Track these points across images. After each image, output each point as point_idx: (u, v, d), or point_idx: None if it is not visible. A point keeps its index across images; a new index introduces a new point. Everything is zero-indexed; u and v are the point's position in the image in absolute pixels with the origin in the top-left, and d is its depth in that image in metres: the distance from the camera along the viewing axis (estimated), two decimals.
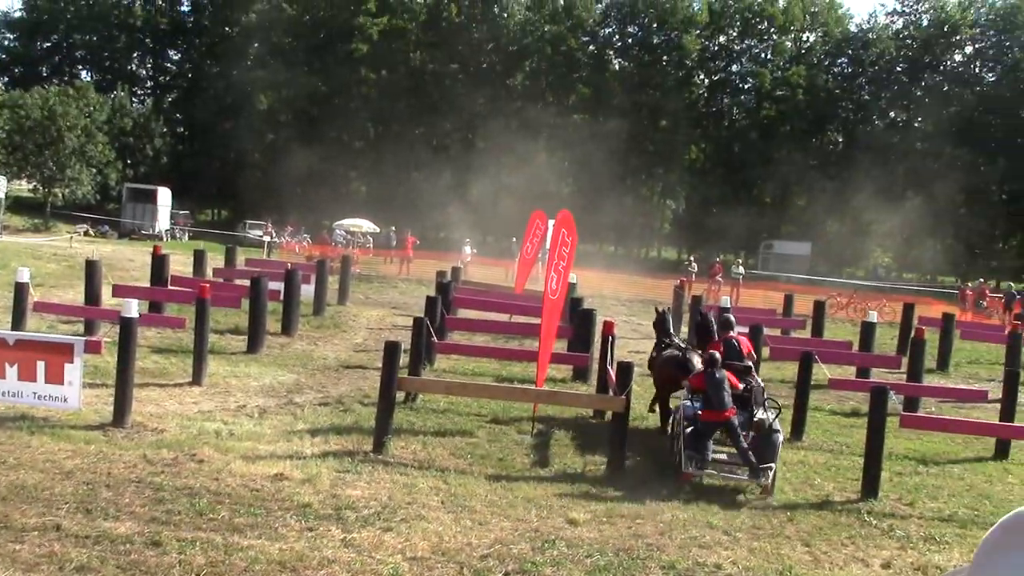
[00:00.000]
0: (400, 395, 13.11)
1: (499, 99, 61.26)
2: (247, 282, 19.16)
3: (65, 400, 11.15)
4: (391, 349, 11.10)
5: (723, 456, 10.96)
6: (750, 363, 12.29)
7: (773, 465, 10.41)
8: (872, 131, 63.70)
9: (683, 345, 13.48)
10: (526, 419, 12.93)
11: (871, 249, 66.78)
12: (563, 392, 13.59)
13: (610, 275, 43.14)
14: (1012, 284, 54.64)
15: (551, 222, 28.12)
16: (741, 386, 11.23)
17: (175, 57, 72.67)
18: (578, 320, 17.11)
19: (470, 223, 57.18)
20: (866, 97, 65.83)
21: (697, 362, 12.01)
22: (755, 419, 10.93)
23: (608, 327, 13.99)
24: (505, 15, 64.66)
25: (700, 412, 10.73)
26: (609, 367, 12.84)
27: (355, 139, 66.00)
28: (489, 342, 20.03)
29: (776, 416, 11.11)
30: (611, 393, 11.63)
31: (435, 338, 15.45)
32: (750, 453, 10.43)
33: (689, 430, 10.62)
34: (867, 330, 20.06)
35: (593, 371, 15.74)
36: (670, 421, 12.03)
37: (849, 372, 18.32)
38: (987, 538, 0.66)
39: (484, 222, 56.54)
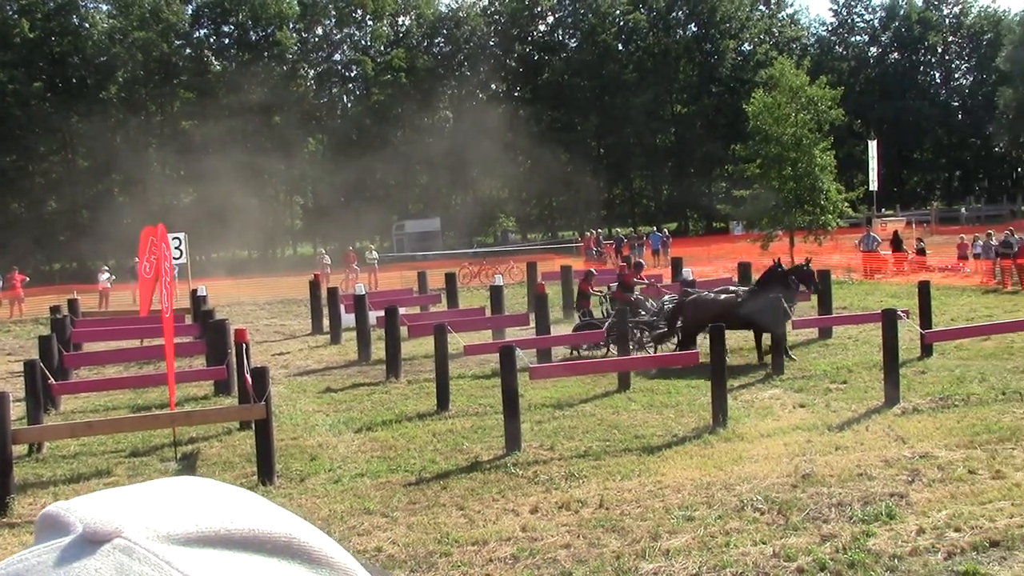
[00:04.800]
0: (23, 448, 12.06)
1: (95, 114, 57.21)
2: None
3: None
4: None
5: None
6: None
7: None
8: (477, 104, 66.76)
9: None
10: (169, 445, 12.29)
11: (496, 216, 70.32)
12: (198, 411, 13.03)
13: (246, 280, 42.11)
14: (620, 230, 59.96)
15: (180, 236, 27.02)
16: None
17: None
18: (210, 332, 16.50)
19: (91, 249, 53.31)
20: (467, 73, 68.82)
21: None
22: None
23: (240, 335, 13.62)
24: (87, 25, 60.42)
25: None
26: (246, 375, 12.49)
27: None
28: (123, 372, 18.87)
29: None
30: (252, 401, 11.32)
31: (52, 380, 14.22)
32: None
33: None
34: (496, 294, 21.10)
35: (234, 382, 15.28)
36: None
37: (487, 336, 19.15)
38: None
39: (104, 246, 52.91)
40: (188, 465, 11.54)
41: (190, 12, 62.90)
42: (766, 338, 16.47)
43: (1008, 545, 7.47)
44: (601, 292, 19.92)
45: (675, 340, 17.28)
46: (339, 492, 10.00)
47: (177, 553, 0.60)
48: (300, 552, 0.64)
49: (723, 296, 17.03)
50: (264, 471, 10.51)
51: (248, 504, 0.66)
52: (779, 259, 18.30)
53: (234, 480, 10.71)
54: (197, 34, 64.23)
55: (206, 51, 64.26)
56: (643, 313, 18.19)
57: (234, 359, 14.89)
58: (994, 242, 28.69)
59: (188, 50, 63.54)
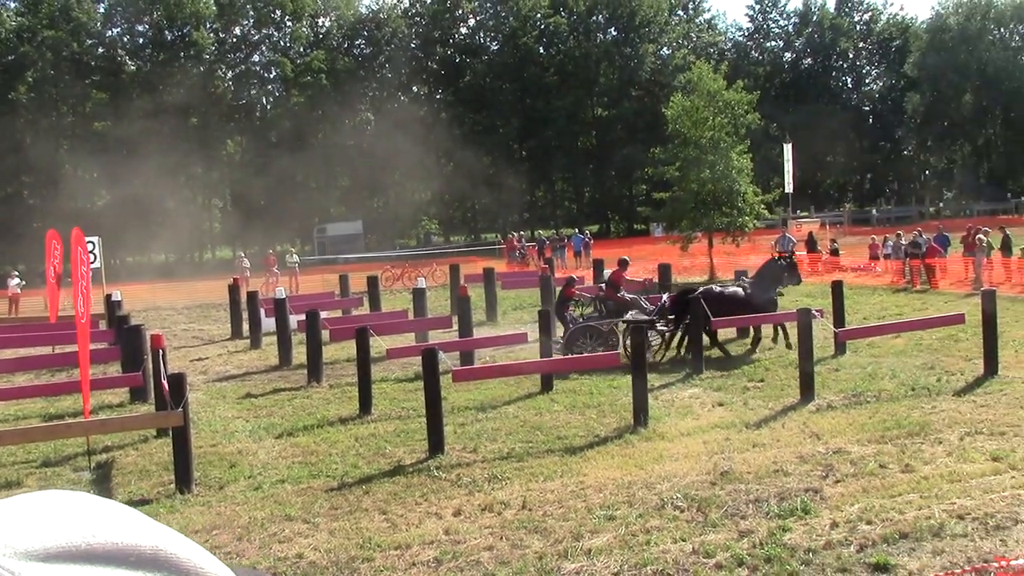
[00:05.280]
0: None
1: (4, 114, 55.47)
2: None
3: None
4: None
5: None
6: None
7: None
8: (399, 106, 66.47)
9: None
10: (82, 454, 11.98)
11: (419, 218, 70.05)
12: (113, 419, 12.74)
13: (163, 285, 41.30)
14: (542, 232, 60.23)
15: (94, 240, 26.24)
16: None
17: None
18: (125, 338, 16.14)
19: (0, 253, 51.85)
20: (388, 75, 68.46)
21: None
22: None
23: (156, 340, 13.35)
24: None
25: None
26: (163, 381, 12.25)
27: None
28: (34, 380, 18.33)
29: None
30: (169, 408, 11.09)
31: None
32: None
33: None
34: (418, 296, 21.04)
35: (151, 388, 14.98)
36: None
37: (410, 339, 19.04)
38: None
39: (14, 250, 51.44)
40: (103, 475, 11.26)
41: (102, 11, 61.41)
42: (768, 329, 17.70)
43: (917, 536, 7.71)
44: (584, 297, 19.91)
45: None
46: (259, 499, 9.86)
47: (35, 569, 0.58)
48: (168, 564, 0.63)
49: (730, 290, 17.54)
50: (182, 479, 10.31)
51: (115, 517, 0.64)
52: (779, 254, 18.96)
53: (151, 489, 10.51)
54: (110, 33, 62.79)
55: (119, 51, 62.80)
56: (635, 312, 17.79)
57: (150, 365, 14.60)
58: (903, 242, 29.55)
59: (101, 49, 62.04)
